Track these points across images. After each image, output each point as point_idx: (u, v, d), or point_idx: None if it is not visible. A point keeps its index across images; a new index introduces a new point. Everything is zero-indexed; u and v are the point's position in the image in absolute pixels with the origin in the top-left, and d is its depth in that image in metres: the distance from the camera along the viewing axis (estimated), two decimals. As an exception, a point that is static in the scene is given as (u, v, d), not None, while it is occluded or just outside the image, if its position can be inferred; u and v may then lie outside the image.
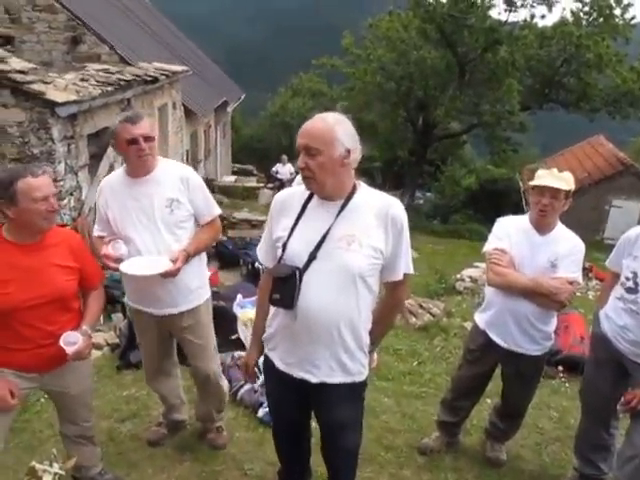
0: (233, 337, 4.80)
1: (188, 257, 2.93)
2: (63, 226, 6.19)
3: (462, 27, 19.40)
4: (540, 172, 3.13)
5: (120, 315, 5.95)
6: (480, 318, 3.36)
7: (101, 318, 6.50)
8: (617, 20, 19.30)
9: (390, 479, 3.39)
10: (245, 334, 4.78)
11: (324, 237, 2.26)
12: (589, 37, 18.75)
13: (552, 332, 3.24)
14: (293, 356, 2.42)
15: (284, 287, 2.28)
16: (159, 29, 19.08)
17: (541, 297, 3.01)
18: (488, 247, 3.19)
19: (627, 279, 2.92)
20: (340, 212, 2.28)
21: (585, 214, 20.00)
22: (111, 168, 7.91)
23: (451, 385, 3.64)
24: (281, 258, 2.34)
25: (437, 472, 3.47)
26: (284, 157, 16.97)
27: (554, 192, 2.98)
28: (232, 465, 3.43)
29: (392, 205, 2.33)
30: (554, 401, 4.62)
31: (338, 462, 2.74)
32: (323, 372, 2.39)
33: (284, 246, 2.33)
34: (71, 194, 6.53)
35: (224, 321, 4.87)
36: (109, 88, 6.94)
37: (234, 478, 3.32)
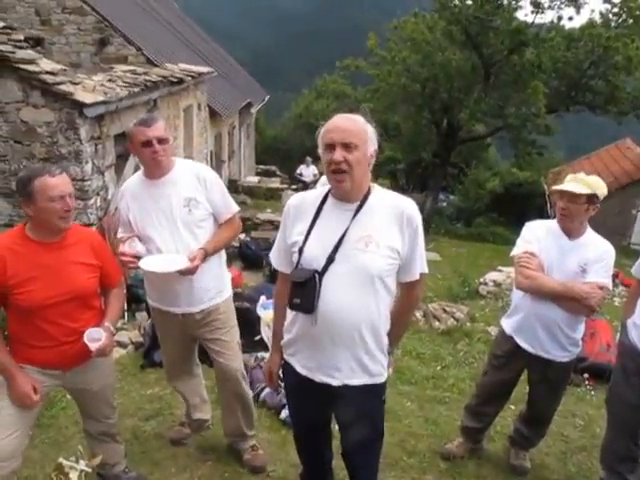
0: (256, 338, 4.82)
1: (206, 255, 2.94)
2: (89, 225, 6.29)
3: (488, 29, 19.19)
4: (567, 177, 3.11)
5: (144, 314, 6.01)
6: (507, 323, 3.32)
7: (125, 316, 6.59)
8: (647, 21, 18.96)
9: (413, 484, 3.37)
10: (268, 335, 4.79)
11: (341, 239, 2.26)
12: (618, 39, 18.40)
13: (580, 339, 3.20)
14: (314, 360, 2.41)
15: (304, 291, 2.28)
16: (185, 31, 19.26)
17: (571, 302, 2.97)
18: (517, 251, 3.15)
19: None
20: (357, 213, 2.28)
21: (611, 219, 19.69)
22: (137, 168, 7.97)
23: (476, 391, 3.61)
24: (298, 262, 2.33)
25: (460, 479, 3.45)
26: (308, 159, 16.97)
27: (572, 196, 2.96)
28: (254, 466, 3.44)
29: (407, 205, 2.34)
30: (579, 409, 4.55)
31: (360, 464, 2.72)
32: (344, 374, 2.38)
33: (300, 250, 2.32)
34: (97, 194, 6.61)
35: (247, 322, 4.89)
36: (136, 89, 7.01)
37: (257, 479, 3.33)
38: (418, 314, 6.34)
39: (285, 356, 2.58)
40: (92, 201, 6.43)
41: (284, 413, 3.86)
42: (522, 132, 20.98)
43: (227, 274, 3.31)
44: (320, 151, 2.29)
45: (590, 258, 3.00)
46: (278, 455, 3.55)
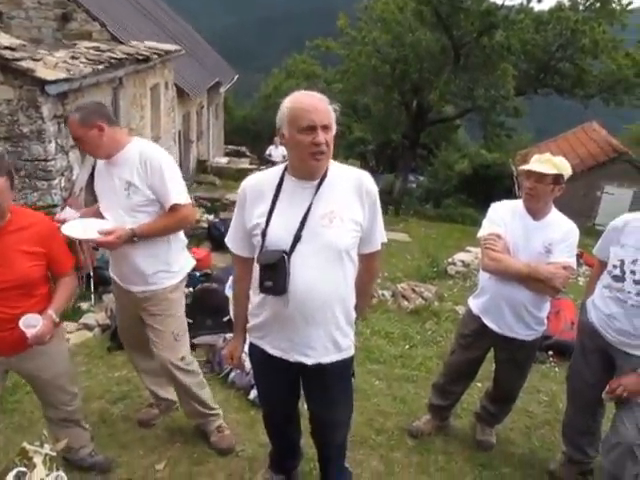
0: (225, 319, 4.80)
1: (135, 237, 2.92)
2: (53, 206, 6.15)
3: (458, 10, 19.18)
4: (534, 157, 3.12)
5: (111, 296, 5.91)
6: (474, 303, 3.35)
7: (92, 299, 6.50)
8: (614, 5, 19.15)
9: (381, 461, 3.41)
10: (237, 316, 4.78)
11: (305, 217, 2.25)
12: (585, 22, 18.60)
13: (545, 318, 3.25)
14: (287, 341, 2.41)
15: (274, 273, 2.26)
16: (152, 8, 18.80)
17: (536, 282, 3.00)
18: (483, 232, 3.17)
19: (614, 267, 2.90)
20: (318, 189, 2.28)
21: (577, 200, 20.03)
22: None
23: (443, 369, 3.65)
24: (263, 245, 2.30)
25: (427, 455, 3.49)
26: (277, 139, 16.79)
27: (539, 176, 2.97)
28: (224, 446, 3.44)
29: (365, 178, 2.36)
30: (544, 385, 4.65)
31: (330, 441, 2.77)
32: (319, 352, 2.40)
33: (264, 232, 2.28)
34: (62, 174, 6.47)
35: (216, 303, 4.88)
36: (100, 66, 6.85)
37: (225, 460, 3.33)
38: (387, 294, 6.39)
39: (252, 339, 2.56)
40: (56, 181, 6.30)
41: (253, 393, 3.86)
42: (491, 114, 21.19)
43: (180, 263, 3.17)
44: (288, 131, 2.21)
45: (554, 238, 3.02)
46: (247, 435, 3.55)
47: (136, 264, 3.03)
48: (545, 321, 3.26)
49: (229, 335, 4.49)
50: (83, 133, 2.90)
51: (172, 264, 3.13)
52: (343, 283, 2.35)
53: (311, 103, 2.19)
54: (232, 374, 4.14)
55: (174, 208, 2.95)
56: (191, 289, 5.12)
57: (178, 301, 3.23)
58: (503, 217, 3.14)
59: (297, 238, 2.25)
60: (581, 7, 19.62)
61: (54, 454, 2.25)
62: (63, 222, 2.97)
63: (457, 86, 20.15)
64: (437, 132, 26.69)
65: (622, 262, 2.86)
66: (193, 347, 4.70)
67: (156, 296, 3.11)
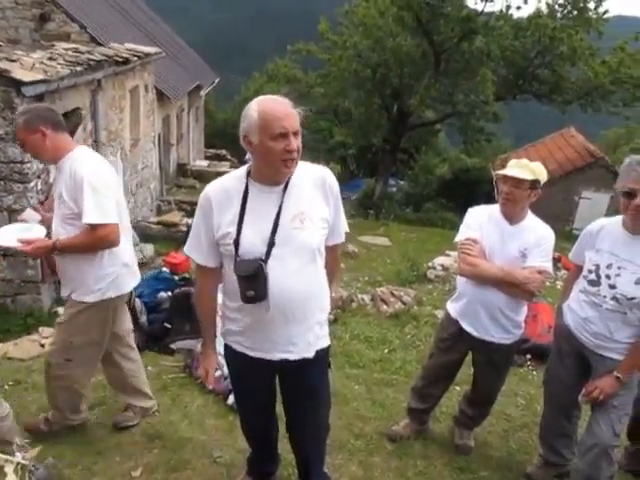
0: (204, 324, 4.76)
1: (53, 249, 2.94)
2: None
3: (438, 15, 19.29)
4: (510, 162, 3.16)
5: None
6: (452, 307, 3.38)
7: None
8: (590, 13, 19.43)
9: (359, 466, 3.41)
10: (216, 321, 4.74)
11: (277, 221, 2.26)
12: (563, 30, 18.82)
13: (522, 321, 3.27)
14: (268, 341, 2.41)
15: (255, 282, 2.25)
16: (132, 10, 18.66)
17: (511, 287, 3.03)
18: (460, 237, 3.20)
19: (589, 272, 2.96)
20: (284, 192, 2.28)
21: (555, 205, 20.29)
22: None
23: (422, 373, 3.66)
24: (236, 254, 2.27)
25: (406, 459, 3.50)
26: (256, 143, 16.76)
27: (516, 181, 3.01)
28: (201, 453, 3.41)
29: (326, 174, 2.40)
30: (522, 389, 4.69)
31: (310, 441, 2.78)
32: (301, 348, 2.43)
33: (237, 241, 2.26)
34: (38, 177, 6.38)
35: (194, 307, 4.83)
36: (78, 68, 6.78)
37: (203, 466, 3.30)
38: (366, 298, 6.39)
39: (230, 343, 2.54)
40: (32, 184, 6.22)
41: (231, 399, 3.83)
42: (471, 119, 21.33)
43: (102, 284, 3.06)
44: (259, 138, 2.17)
45: (530, 243, 3.06)
46: (225, 441, 3.53)
47: (63, 271, 3.10)
48: (522, 324, 3.29)
49: (208, 340, 4.46)
50: (25, 137, 2.92)
51: (96, 280, 3.04)
52: (316, 279, 2.41)
53: (282, 110, 2.18)
54: (211, 379, 4.09)
55: (91, 227, 2.88)
56: (169, 293, 5.08)
57: (81, 316, 3.10)
58: (479, 222, 3.17)
59: (271, 244, 2.25)
60: (559, 15, 19.86)
61: (26, 463, 2.22)
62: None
63: (437, 91, 20.27)
64: (417, 136, 26.77)
65: (597, 267, 2.91)
66: (172, 352, 4.70)
67: (68, 302, 3.17)
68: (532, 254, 3.05)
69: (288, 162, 2.20)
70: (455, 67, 20.53)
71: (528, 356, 5.27)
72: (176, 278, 5.41)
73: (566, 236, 18.73)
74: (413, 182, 26.61)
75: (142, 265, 8.10)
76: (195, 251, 2.43)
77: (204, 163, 19.42)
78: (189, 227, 9.00)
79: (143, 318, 4.88)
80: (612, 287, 2.84)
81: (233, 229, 2.26)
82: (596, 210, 17.42)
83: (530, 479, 3.42)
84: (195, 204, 10.12)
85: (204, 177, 17.04)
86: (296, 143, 2.18)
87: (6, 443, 2.91)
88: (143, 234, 9.41)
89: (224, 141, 26.89)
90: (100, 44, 10.27)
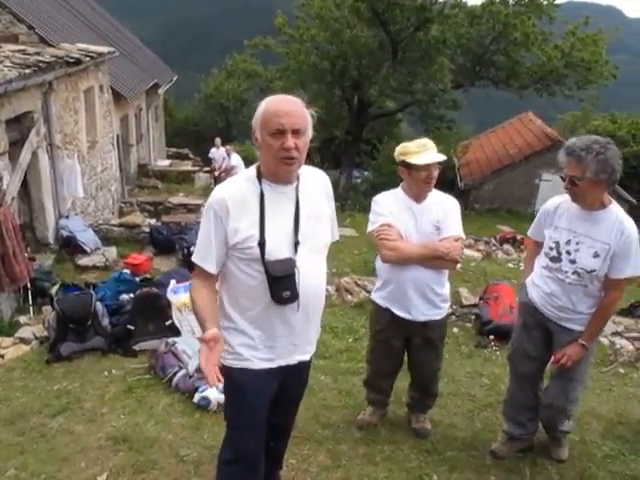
0: (167, 323, 4.74)
1: None
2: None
3: (394, 6, 19.39)
4: (412, 147, 3.18)
5: (49, 307, 5.75)
6: (379, 296, 3.41)
7: (30, 311, 6.29)
8: (542, 0, 19.81)
9: (327, 455, 3.42)
10: (180, 320, 4.72)
11: (297, 221, 2.28)
12: (516, 16, 19.14)
13: (448, 294, 3.39)
14: (291, 344, 2.39)
15: (290, 282, 2.24)
16: (84, 10, 18.27)
17: (435, 260, 3.16)
18: (373, 226, 3.26)
19: (550, 249, 3.10)
20: (298, 192, 2.30)
21: (517, 188, 20.69)
22: (34, 155, 7.58)
23: (369, 368, 3.68)
24: (263, 256, 2.22)
25: (373, 445, 3.53)
26: (217, 140, 16.60)
27: (432, 165, 3.16)
28: (168, 452, 3.39)
29: (323, 175, 2.48)
30: (486, 369, 4.77)
31: (285, 440, 2.82)
32: (313, 346, 2.52)
33: (262, 243, 2.21)
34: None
35: (157, 308, 4.81)
36: (27, 70, 6.61)
37: (170, 465, 3.28)
38: (331, 288, 6.42)
39: (243, 363, 2.36)
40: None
41: (197, 397, 3.82)
42: (430, 107, 21.59)
43: None
44: (261, 134, 2.20)
45: (440, 215, 3.21)
46: (192, 439, 3.51)
47: None
48: (448, 298, 3.41)
49: (171, 339, 4.43)
50: None
51: None
52: (325, 275, 2.45)
53: (284, 108, 2.19)
54: (176, 378, 4.08)
55: None
56: (131, 295, 5.02)
57: None
58: (389, 207, 3.26)
59: (297, 242, 2.27)
60: (511, 1, 20.15)
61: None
62: None
63: (396, 81, 20.39)
64: (379, 127, 26.92)
65: (557, 244, 3.07)
66: (135, 354, 4.66)
67: None
68: (445, 225, 3.20)
69: (286, 160, 2.19)
70: (412, 56, 20.72)
71: (491, 337, 5.38)
72: (137, 279, 5.37)
73: (529, 218, 19.06)
74: (377, 172, 26.67)
75: (105, 268, 7.99)
76: (207, 260, 2.30)
77: (166, 163, 19.16)
78: (152, 228, 8.84)
79: (105, 321, 4.83)
80: (572, 262, 3.01)
81: (255, 231, 2.22)
82: (556, 191, 17.17)
83: (495, 456, 3.49)
84: (158, 204, 9.99)
85: (166, 177, 16.85)
86: (294, 142, 2.16)
87: None
88: (105, 237, 9.25)
89: (186, 140, 26.63)
90: (50, 45, 10.01)
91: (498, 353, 5.16)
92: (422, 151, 3.15)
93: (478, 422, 3.91)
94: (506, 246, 12.46)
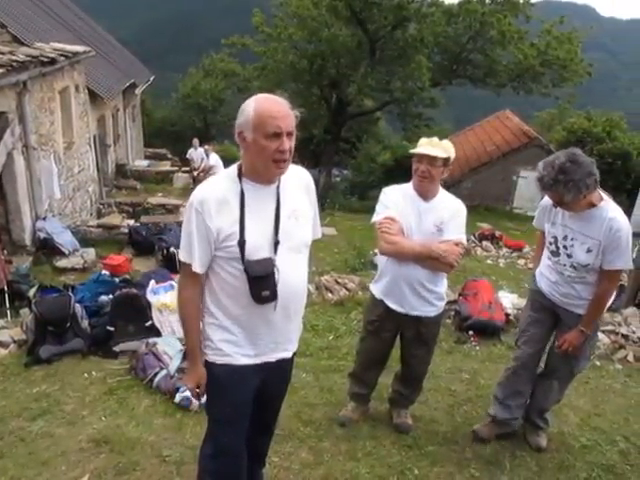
0: (147, 324, 4.71)
1: None
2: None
3: (371, 4, 19.41)
4: (421, 141, 3.29)
5: (27, 310, 5.67)
6: (376, 288, 3.46)
7: (8, 314, 6.20)
8: (518, -2, 20.02)
9: (310, 452, 3.44)
10: (160, 320, 4.70)
11: (277, 220, 2.27)
12: (492, 14, 19.28)
13: (444, 293, 3.43)
14: (272, 342, 2.41)
15: (269, 282, 2.25)
16: (59, 9, 18.04)
17: (431, 261, 3.18)
18: (377, 217, 3.29)
19: (550, 243, 3.27)
20: (279, 191, 2.30)
21: (495, 185, 20.87)
22: (9, 156, 7.48)
23: (357, 358, 3.73)
24: (243, 255, 2.22)
25: (355, 441, 3.56)
26: (195, 141, 16.51)
27: (431, 159, 3.15)
28: (150, 453, 3.38)
29: (306, 174, 2.49)
30: (466, 365, 4.83)
31: (269, 438, 2.83)
32: (294, 344, 2.53)
33: (241, 242, 2.22)
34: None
35: (137, 309, 4.78)
36: (0, 70, 6.51)
37: (152, 466, 3.27)
38: (311, 287, 6.43)
39: (217, 358, 2.39)
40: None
41: (178, 397, 3.81)
42: (409, 105, 21.68)
43: None
44: (253, 136, 2.17)
45: (445, 217, 3.22)
46: (174, 439, 3.50)
47: None
48: (444, 296, 3.44)
49: (152, 340, 4.41)
50: None
51: None
52: (306, 274, 2.46)
53: (278, 110, 2.18)
54: (157, 378, 4.06)
55: None
56: (111, 296, 4.98)
57: None
58: (395, 201, 3.28)
59: (276, 242, 2.26)
60: (488, 0, 20.31)
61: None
62: None
63: (374, 79, 20.42)
64: (358, 125, 27.00)
65: (555, 239, 3.22)
66: (116, 355, 4.62)
67: None
68: (448, 228, 3.21)
69: (280, 163, 2.20)
70: (390, 55, 20.77)
71: (471, 332, 5.43)
72: (116, 280, 5.33)
73: (507, 215, 19.30)
74: (357, 171, 26.74)
75: (83, 270, 7.92)
76: (199, 265, 2.29)
77: (144, 163, 19.01)
78: (131, 229, 8.77)
79: (85, 323, 4.79)
80: (569, 256, 3.16)
81: (235, 230, 2.22)
82: (534, 188, 17.87)
83: (476, 436, 3.61)
84: (137, 205, 9.94)
85: (144, 177, 16.73)
86: (289, 144, 2.18)
87: None
88: (83, 238, 9.16)
89: (164, 140, 26.45)
90: (24, 44, 9.87)
91: (477, 349, 5.22)
92: (426, 145, 3.20)
93: (458, 417, 3.96)
94: (485, 243, 12.58)
